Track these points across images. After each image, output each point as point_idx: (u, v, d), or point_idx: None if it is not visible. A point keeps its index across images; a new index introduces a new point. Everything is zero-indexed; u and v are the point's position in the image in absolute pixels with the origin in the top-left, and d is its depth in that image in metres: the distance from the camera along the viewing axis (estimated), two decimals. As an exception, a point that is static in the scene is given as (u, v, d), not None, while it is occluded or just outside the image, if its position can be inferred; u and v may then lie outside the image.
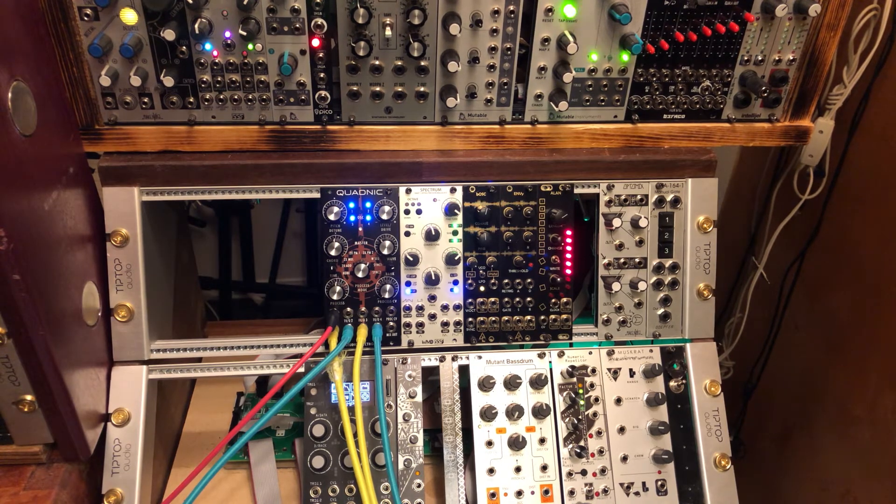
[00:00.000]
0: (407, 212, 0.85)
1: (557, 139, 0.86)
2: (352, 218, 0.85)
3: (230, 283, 1.60)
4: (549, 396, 0.88)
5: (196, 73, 0.78)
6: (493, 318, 0.88)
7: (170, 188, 0.82)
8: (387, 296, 0.85)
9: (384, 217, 0.85)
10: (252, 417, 0.82)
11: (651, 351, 0.90)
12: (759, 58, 0.83)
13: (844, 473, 1.06)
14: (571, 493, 0.86)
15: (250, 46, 0.77)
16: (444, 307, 0.87)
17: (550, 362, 0.89)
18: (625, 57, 0.82)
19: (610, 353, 0.90)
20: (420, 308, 0.87)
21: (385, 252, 0.85)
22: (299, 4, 0.74)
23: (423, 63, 0.79)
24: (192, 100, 0.79)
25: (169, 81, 0.76)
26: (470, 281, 0.87)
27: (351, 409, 0.83)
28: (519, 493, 0.85)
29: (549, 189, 0.87)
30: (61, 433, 0.74)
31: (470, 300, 0.87)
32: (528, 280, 0.88)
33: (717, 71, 0.84)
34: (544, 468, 0.86)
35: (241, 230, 1.55)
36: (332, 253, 0.84)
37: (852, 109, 1.01)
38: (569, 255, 0.88)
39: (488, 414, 0.86)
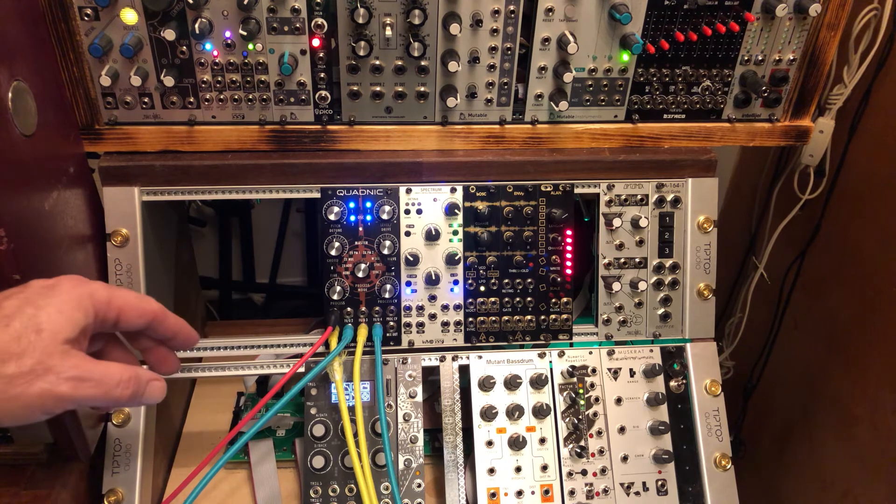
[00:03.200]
0: (407, 212, 0.85)
1: (557, 139, 0.86)
2: (352, 218, 0.85)
3: (230, 283, 1.60)
4: (550, 396, 0.88)
5: (196, 73, 0.78)
6: (494, 318, 0.88)
7: (170, 188, 0.82)
8: (387, 296, 0.85)
9: (384, 217, 0.85)
10: (252, 417, 0.82)
11: (651, 351, 0.90)
12: (760, 58, 0.83)
13: (844, 473, 1.06)
14: (572, 492, 0.85)
15: (250, 46, 0.77)
16: (445, 307, 0.87)
17: (551, 362, 0.89)
18: (625, 57, 0.82)
19: (610, 353, 0.90)
20: (420, 308, 0.87)
21: (385, 252, 0.85)
22: (299, 4, 0.74)
23: (423, 63, 0.79)
24: (192, 100, 0.79)
25: (169, 81, 0.76)
26: (470, 281, 0.87)
27: (351, 409, 0.83)
28: (519, 493, 0.85)
29: (549, 189, 0.87)
30: (61, 433, 0.74)
31: (470, 300, 0.87)
32: (529, 280, 0.88)
33: (717, 71, 0.84)
34: (544, 468, 0.86)
35: (241, 230, 1.55)
36: (333, 253, 0.84)
37: (852, 109, 1.01)
38: (569, 255, 0.88)
39: (488, 414, 0.86)
